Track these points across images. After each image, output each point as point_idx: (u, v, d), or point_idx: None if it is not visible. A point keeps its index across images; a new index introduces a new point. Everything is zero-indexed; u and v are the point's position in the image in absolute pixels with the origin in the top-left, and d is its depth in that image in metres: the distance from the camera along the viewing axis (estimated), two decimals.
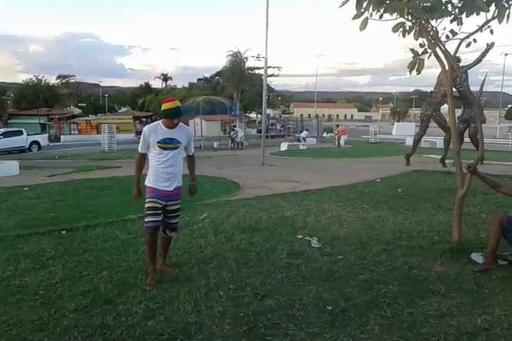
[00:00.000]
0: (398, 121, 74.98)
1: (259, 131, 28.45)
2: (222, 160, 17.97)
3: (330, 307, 3.41)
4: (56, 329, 3.14)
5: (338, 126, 29.16)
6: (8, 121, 42.24)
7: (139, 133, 34.15)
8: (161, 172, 4.07)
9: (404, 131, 39.71)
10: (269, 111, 40.32)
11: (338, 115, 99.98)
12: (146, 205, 4.08)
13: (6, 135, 27.63)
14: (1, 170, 13.99)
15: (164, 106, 3.96)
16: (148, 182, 4.13)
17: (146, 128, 4.10)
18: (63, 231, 5.84)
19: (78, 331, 3.10)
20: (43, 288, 3.88)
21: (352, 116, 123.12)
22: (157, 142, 3.97)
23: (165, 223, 4.21)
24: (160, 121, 4.09)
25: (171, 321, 3.23)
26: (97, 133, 37.44)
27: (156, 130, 4.01)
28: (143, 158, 4.17)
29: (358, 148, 24.77)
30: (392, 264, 4.40)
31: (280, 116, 53.96)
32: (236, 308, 3.43)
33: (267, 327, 3.12)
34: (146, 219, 4.08)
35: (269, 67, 45.67)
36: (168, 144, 4.01)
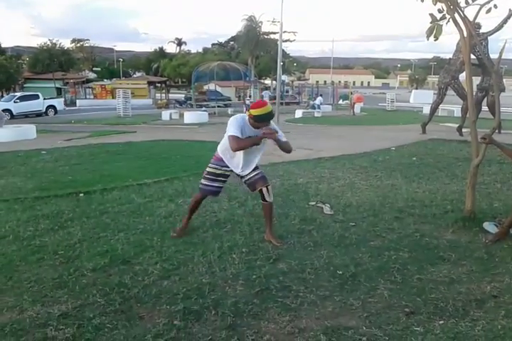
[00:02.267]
0: (416, 88, 73.38)
1: (274, 98, 28.16)
2: None
3: (340, 272, 3.48)
4: (75, 287, 3.27)
5: (352, 93, 28.61)
6: (24, 85, 42.29)
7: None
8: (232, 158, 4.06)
9: (421, 98, 38.89)
10: (283, 77, 39.68)
11: (354, 82, 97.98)
12: (207, 170, 4.21)
13: (22, 99, 27.78)
14: (18, 134, 14.18)
15: (257, 112, 3.80)
16: (221, 152, 4.12)
17: (239, 120, 3.91)
18: (81, 194, 5.97)
19: (96, 289, 3.23)
20: (62, 248, 4.01)
21: (369, 83, 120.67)
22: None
23: (251, 181, 4.11)
24: (247, 118, 3.91)
25: (186, 281, 3.34)
26: (112, 98, 37.34)
27: (244, 127, 3.88)
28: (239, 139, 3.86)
29: (373, 116, 24.43)
30: (404, 232, 4.45)
31: (292, 82, 53.03)
32: (248, 271, 3.52)
33: (278, 289, 3.22)
34: (202, 182, 4.24)
35: (285, 31, 44.71)
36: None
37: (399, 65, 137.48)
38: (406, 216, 4.97)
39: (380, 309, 2.94)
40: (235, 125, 3.86)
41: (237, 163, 4.07)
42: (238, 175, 4.19)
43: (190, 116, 20.96)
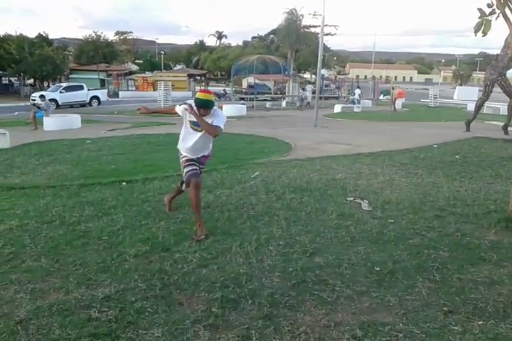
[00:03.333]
0: (460, 84, 71.03)
1: (313, 92, 27.91)
2: (275, 121, 17.91)
3: (378, 268, 3.47)
4: (118, 271, 3.40)
5: (393, 88, 27.96)
6: (70, 76, 43.58)
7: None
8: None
9: (466, 95, 37.54)
10: (323, 71, 39.27)
11: (396, 77, 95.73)
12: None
13: (68, 89, 28.68)
14: (64, 123, 14.69)
15: (197, 95, 4.24)
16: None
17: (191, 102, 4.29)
18: (123, 183, 6.15)
19: (138, 274, 3.34)
20: (105, 234, 4.17)
21: (411, 78, 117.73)
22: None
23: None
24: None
25: (223, 271, 3.41)
26: (154, 90, 38.05)
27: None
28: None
29: (415, 112, 23.88)
30: (444, 230, 4.37)
31: (335, 77, 52.35)
32: (285, 263, 3.56)
33: (314, 283, 3.24)
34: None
35: (326, 25, 44.18)
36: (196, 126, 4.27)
37: (443, 60, 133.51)
38: (447, 215, 4.88)
39: (418, 307, 2.91)
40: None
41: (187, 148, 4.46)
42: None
43: (229, 110, 21.11)
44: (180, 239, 4.06)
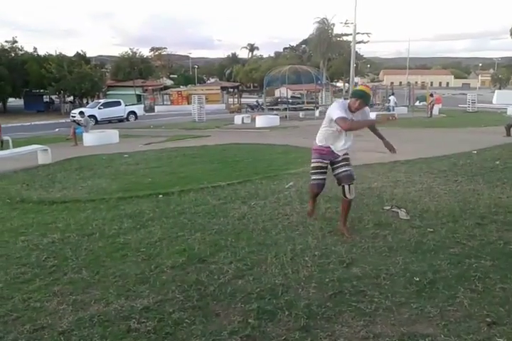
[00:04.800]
0: (499, 88, 69.05)
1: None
2: (308, 130, 17.82)
3: (417, 279, 3.39)
4: (156, 282, 3.45)
5: (432, 95, 27.39)
6: (107, 93, 44.94)
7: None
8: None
9: (506, 99, 36.47)
10: (356, 79, 39.01)
11: (432, 82, 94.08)
12: (312, 165, 4.53)
13: (106, 105, 29.59)
14: (103, 139, 15.15)
15: (361, 88, 4.31)
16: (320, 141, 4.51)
17: (341, 104, 4.24)
18: (160, 195, 6.27)
19: (175, 285, 3.39)
20: (143, 246, 4.25)
21: (447, 83, 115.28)
22: None
23: (339, 176, 4.41)
24: (347, 103, 4.24)
25: (259, 281, 3.41)
26: (188, 104, 38.71)
27: (346, 110, 4.17)
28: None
29: (453, 118, 23.32)
30: (486, 239, 4.23)
31: (372, 88, 51.70)
32: (321, 274, 3.53)
33: (352, 294, 3.19)
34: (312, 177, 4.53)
35: (358, 33, 43.95)
36: None
37: (480, 64, 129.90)
38: (488, 222, 4.72)
39: (460, 318, 2.82)
40: (339, 108, 4.14)
41: (341, 144, 4.40)
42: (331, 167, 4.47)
43: (262, 120, 21.22)
44: (216, 250, 4.09)
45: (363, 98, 4.14)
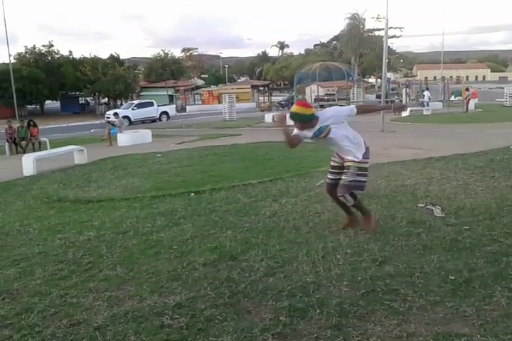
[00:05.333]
0: None
1: (379, 97, 27.25)
2: None
3: (452, 277, 3.30)
4: (188, 279, 3.50)
5: (467, 89, 26.65)
6: (140, 94, 45.78)
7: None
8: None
9: None
10: (389, 74, 38.32)
11: (467, 76, 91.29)
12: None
13: (139, 106, 30.19)
14: (137, 139, 15.46)
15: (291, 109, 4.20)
16: None
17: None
18: (192, 194, 6.34)
19: (207, 282, 3.42)
20: (176, 243, 4.31)
21: (484, 77, 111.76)
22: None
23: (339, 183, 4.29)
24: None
25: (290, 279, 3.40)
26: (219, 103, 39.03)
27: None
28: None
29: (489, 113, 22.63)
30: None
31: (405, 83, 50.73)
32: (353, 272, 3.48)
33: (384, 292, 3.14)
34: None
35: (390, 28, 43.12)
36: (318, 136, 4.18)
37: None
38: None
39: (497, 317, 2.74)
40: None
41: (336, 150, 4.39)
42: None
43: None
44: (247, 247, 4.10)
45: (295, 119, 4.07)
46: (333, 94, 36.51)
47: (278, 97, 45.86)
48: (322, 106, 29.69)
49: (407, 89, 29.26)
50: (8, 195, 7.54)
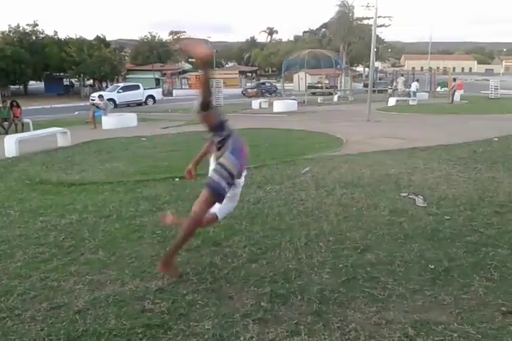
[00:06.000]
0: None
1: (366, 86, 27.30)
2: (326, 115, 17.71)
3: (432, 266, 3.36)
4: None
5: (455, 79, 26.78)
6: (126, 76, 45.11)
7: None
8: None
9: None
10: (377, 64, 38.33)
11: (454, 68, 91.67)
12: None
13: (125, 89, 29.73)
14: (122, 122, 15.25)
15: None
16: None
17: None
18: (176, 179, 6.30)
19: (190, 267, 3.42)
20: (159, 228, 4.28)
21: (470, 69, 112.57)
22: None
23: None
24: None
25: (273, 266, 3.43)
26: None
27: None
28: None
29: (474, 104, 22.84)
30: (504, 227, 4.16)
31: (396, 70, 50.57)
32: (335, 259, 3.52)
33: (365, 280, 3.18)
34: None
35: (380, 16, 43.05)
36: None
37: (505, 50, 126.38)
38: (507, 211, 4.64)
39: (474, 306, 2.79)
40: None
41: None
42: None
43: (279, 105, 21.08)
44: (231, 233, 4.11)
45: None
46: (326, 83, 36.39)
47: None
48: (314, 94, 29.71)
49: (403, 78, 29.19)
50: None
